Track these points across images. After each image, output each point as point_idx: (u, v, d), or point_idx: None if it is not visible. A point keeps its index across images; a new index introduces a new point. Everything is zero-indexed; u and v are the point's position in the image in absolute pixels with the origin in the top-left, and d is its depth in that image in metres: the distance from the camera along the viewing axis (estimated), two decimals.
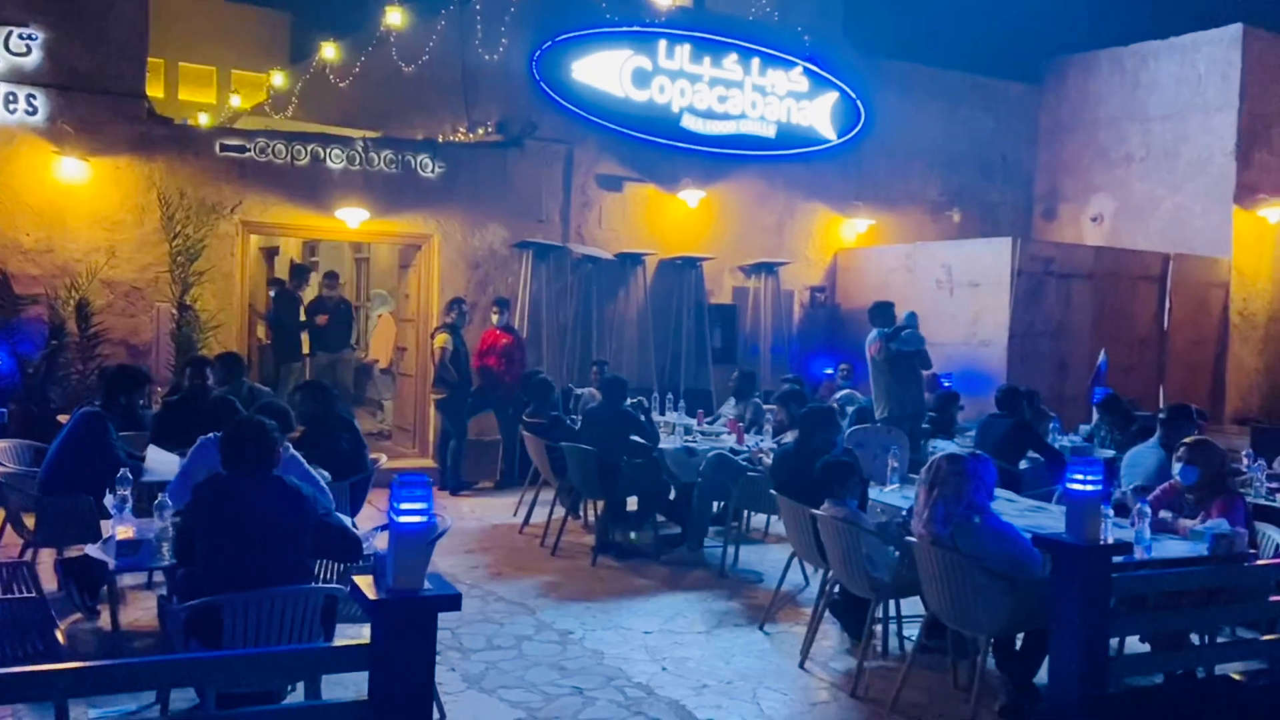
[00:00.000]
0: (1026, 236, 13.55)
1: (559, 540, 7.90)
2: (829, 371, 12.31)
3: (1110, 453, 8.45)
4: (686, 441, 8.01)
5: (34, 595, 3.95)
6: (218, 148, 10.01)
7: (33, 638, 3.83)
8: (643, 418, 8.06)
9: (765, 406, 9.68)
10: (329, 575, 4.48)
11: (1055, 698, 4.55)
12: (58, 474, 5.72)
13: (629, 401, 8.12)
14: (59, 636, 3.92)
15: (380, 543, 4.84)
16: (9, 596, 4.08)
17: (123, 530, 4.13)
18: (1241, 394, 13.04)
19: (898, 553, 5.39)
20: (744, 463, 7.48)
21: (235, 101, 19.35)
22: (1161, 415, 6.53)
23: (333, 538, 4.08)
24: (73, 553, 5.96)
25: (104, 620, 5.77)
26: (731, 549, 7.51)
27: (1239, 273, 12.95)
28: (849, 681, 5.39)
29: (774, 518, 8.52)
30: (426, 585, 3.37)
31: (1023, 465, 7.91)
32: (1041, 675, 5.02)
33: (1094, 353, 11.77)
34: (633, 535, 8.00)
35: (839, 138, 12.95)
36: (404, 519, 3.34)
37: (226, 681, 3.25)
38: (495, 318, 10.24)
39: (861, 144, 13.13)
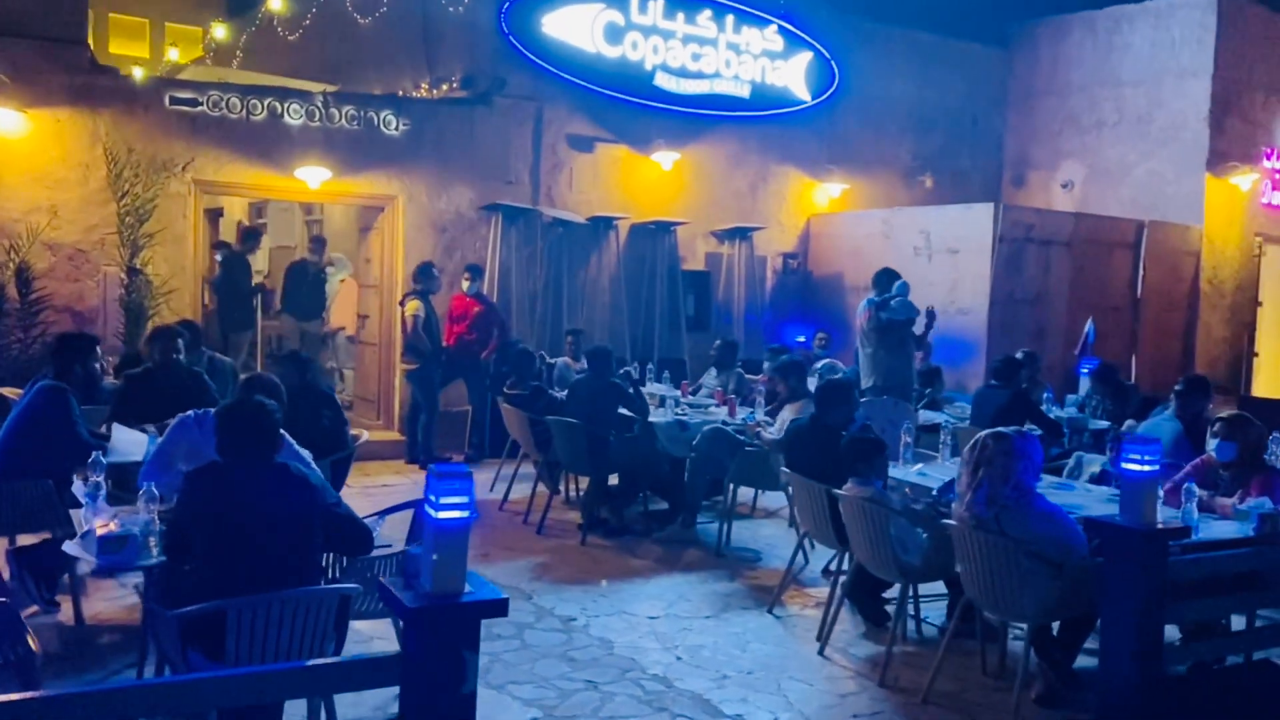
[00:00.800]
0: (1000, 202, 13.35)
1: (545, 518, 7.53)
2: (801, 340, 12.05)
3: (1104, 424, 8.30)
4: (677, 415, 7.67)
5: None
6: (167, 101, 9.37)
7: (1, 647, 3.37)
8: (631, 389, 7.69)
9: (749, 378, 9.39)
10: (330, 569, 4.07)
11: (1108, 686, 4.32)
12: (12, 455, 5.20)
13: (621, 371, 7.75)
14: (31, 643, 3.46)
15: (385, 532, 4.45)
16: None
17: (102, 523, 3.67)
18: (1209, 362, 13.03)
19: (925, 535, 5.13)
20: (739, 437, 7.16)
21: (174, 55, 18.39)
22: (1177, 387, 6.33)
23: (343, 529, 3.67)
24: (23, 540, 5.48)
25: (65, 614, 5.30)
26: (724, 527, 7.23)
27: (1209, 240, 12.89)
28: (872, 669, 5.12)
29: (762, 493, 8.26)
30: (467, 588, 3.00)
31: None
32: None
33: (1071, 321, 11.64)
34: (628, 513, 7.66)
35: (813, 99, 12.61)
36: (444, 514, 2.95)
37: (241, 701, 2.85)
38: (466, 284, 9.77)
39: (835, 107, 12.80)
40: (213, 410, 4.67)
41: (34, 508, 5.15)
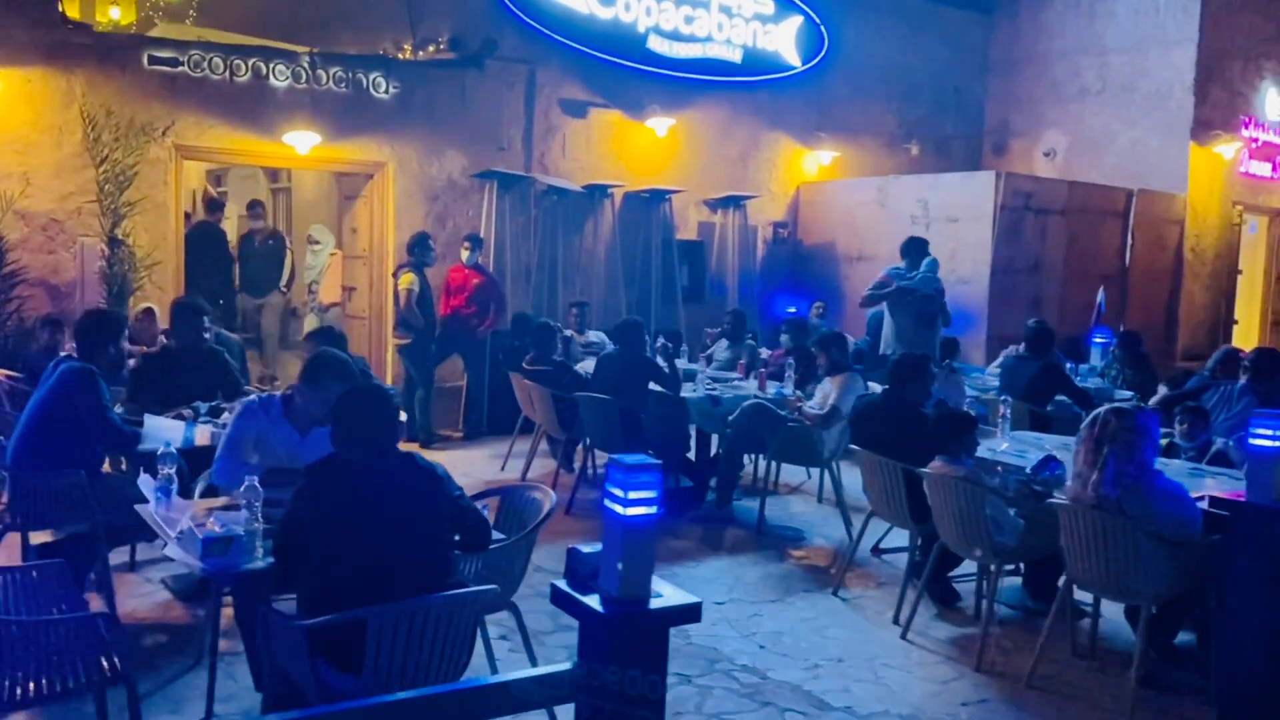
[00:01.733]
0: (1002, 171, 13.27)
1: (573, 497, 7.24)
2: (791, 310, 11.85)
3: (1128, 394, 8.23)
4: (709, 390, 7.41)
5: (102, 611, 3.12)
6: (146, 60, 8.77)
7: (92, 663, 3.02)
8: (662, 362, 7.40)
9: (763, 352, 9.17)
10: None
11: (1230, 668, 4.18)
12: (39, 443, 4.75)
13: (659, 344, 7.47)
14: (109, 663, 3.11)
15: None
16: (66, 615, 3.23)
17: (203, 519, 3.29)
18: (1191, 330, 13.15)
19: (1013, 512, 4.95)
20: (780, 412, 6.93)
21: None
22: (1245, 362, 6.25)
23: (467, 523, 3.35)
24: (41, 537, 5.04)
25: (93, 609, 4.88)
26: (762, 504, 7.01)
27: (1192, 209, 12.96)
28: (961, 652, 4.95)
29: (785, 466, 8.05)
30: (656, 592, 2.71)
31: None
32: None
33: (1065, 290, 11.63)
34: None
35: (803, 65, 12.35)
36: (633, 510, 2.66)
37: None
38: (465, 255, 9.37)
39: (824, 74, 12.56)
40: (278, 395, 4.31)
41: (65, 500, 4.73)
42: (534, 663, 4.02)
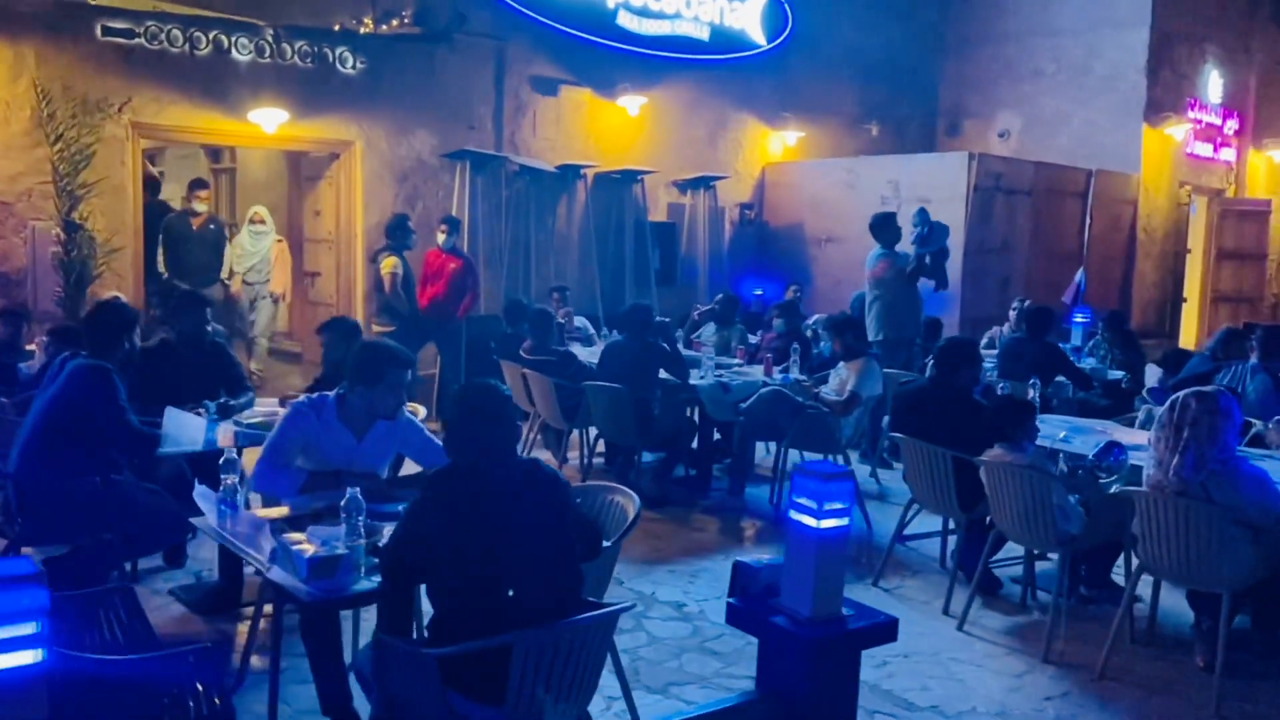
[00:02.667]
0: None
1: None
2: (758, 292, 11.73)
3: (1119, 374, 8.28)
4: (718, 377, 7.23)
5: (204, 644, 2.79)
6: (99, 31, 8.19)
7: (199, 705, 2.71)
8: (666, 347, 7.19)
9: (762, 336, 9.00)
10: None
11: None
12: (45, 448, 4.33)
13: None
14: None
15: None
16: (156, 654, 2.89)
17: (301, 541, 2.97)
18: (1142, 309, 13.41)
19: (1074, 499, 4.87)
20: (798, 399, 6.77)
21: None
22: (1253, 341, 6.28)
23: (586, 532, 3.10)
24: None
25: None
26: (778, 492, 6.87)
27: (1145, 190, 13.19)
28: (1024, 643, 4.87)
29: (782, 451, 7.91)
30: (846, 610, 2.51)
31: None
32: None
33: (1031, 270, 11.72)
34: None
35: (769, 43, 12.19)
36: (827, 522, 2.45)
37: None
38: (442, 238, 9.00)
39: (787, 54, 12.42)
40: (330, 395, 3.99)
41: (76, 510, 4.33)
42: (622, 681, 3.76)
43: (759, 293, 11.72)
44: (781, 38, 12.28)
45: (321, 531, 3.03)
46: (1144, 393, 7.65)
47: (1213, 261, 14.66)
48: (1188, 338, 13.74)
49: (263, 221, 10.95)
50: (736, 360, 8.01)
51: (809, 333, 8.86)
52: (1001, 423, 4.91)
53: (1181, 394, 4.30)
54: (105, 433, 4.35)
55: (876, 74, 13.66)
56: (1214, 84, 14.20)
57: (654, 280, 11.20)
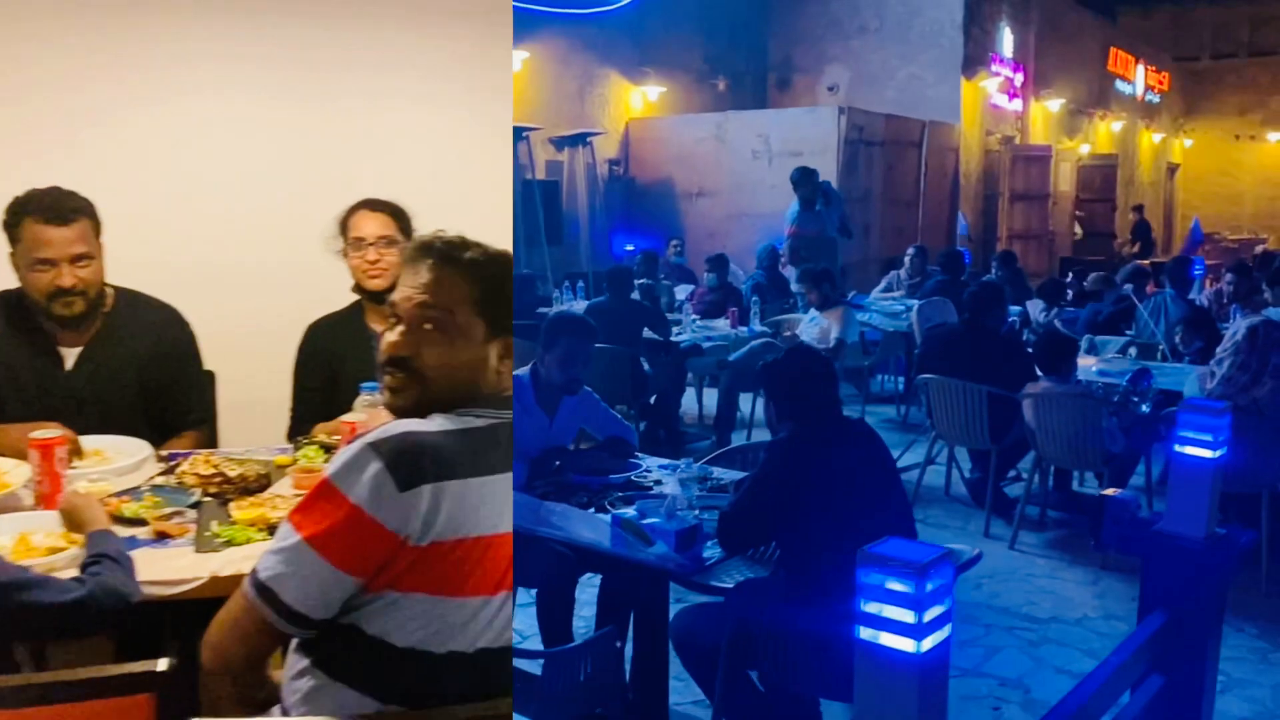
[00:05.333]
0: (845, 106, 13.91)
1: None
2: (630, 249, 11.90)
3: (1016, 309, 9.04)
4: (693, 336, 7.38)
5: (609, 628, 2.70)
6: None
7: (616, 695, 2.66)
8: (648, 304, 7.27)
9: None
10: None
11: None
12: None
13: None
14: None
15: None
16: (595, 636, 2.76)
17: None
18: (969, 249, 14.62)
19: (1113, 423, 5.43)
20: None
21: None
22: (1163, 276, 7.12)
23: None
24: None
25: None
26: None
27: (964, 138, 14.33)
28: (1075, 554, 5.35)
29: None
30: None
31: None
32: None
33: (882, 219, 12.53)
34: None
35: None
36: (1214, 453, 2.71)
37: None
38: None
39: (644, 8, 12.53)
40: (524, 375, 3.86)
41: None
42: None
43: (630, 249, 11.87)
44: None
45: (645, 502, 2.99)
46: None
47: (1009, 203, 16.15)
48: None
49: None
50: (694, 317, 8.16)
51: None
52: (1047, 358, 5.39)
53: (1252, 321, 4.85)
54: None
55: (717, 29, 14.02)
56: (1007, 40, 15.56)
57: (544, 240, 11.12)
